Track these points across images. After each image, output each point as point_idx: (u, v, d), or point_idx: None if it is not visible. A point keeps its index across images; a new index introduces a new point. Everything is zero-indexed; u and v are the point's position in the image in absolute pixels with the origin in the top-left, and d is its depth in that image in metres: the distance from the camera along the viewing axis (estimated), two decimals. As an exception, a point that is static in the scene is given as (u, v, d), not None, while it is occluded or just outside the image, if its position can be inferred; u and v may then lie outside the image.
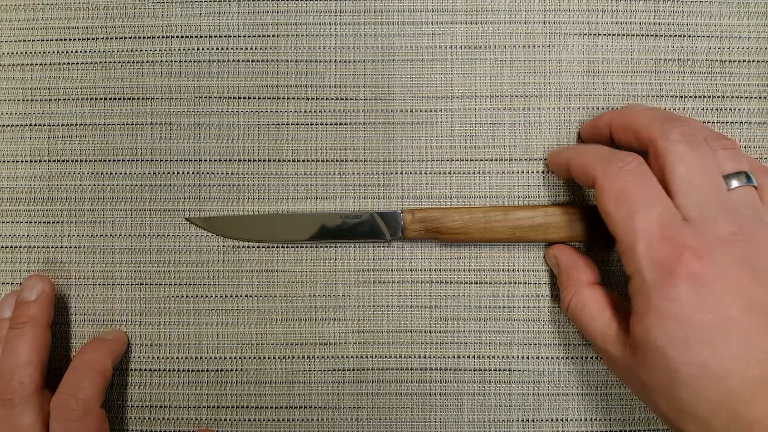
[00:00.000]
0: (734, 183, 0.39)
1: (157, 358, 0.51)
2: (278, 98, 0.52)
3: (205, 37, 0.52)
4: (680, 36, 0.52)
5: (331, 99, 0.52)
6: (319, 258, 0.51)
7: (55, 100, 0.52)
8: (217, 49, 0.52)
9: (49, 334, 0.48)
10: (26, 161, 0.52)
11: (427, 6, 0.52)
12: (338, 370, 0.51)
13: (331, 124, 0.52)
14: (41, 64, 0.52)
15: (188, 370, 0.51)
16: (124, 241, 0.51)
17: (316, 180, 0.52)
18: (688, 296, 0.36)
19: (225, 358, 0.51)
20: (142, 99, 0.52)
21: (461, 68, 0.52)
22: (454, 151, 0.52)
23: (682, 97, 0.52)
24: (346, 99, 0.52)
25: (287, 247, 0.51)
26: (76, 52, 0.52)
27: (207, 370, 0.51)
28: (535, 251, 0.51)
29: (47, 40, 0.52)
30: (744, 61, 0.52)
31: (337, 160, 0.52)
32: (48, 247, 0.51)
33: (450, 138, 0.52)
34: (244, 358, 0.51)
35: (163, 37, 0.52)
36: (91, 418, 0.44)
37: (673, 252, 0.37)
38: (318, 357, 0.51)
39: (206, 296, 0.51)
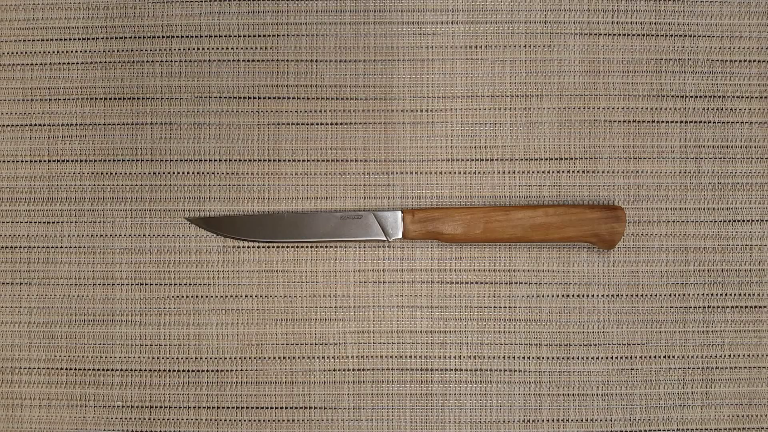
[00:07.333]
0: None
1: (157, 358, 0.51)
2: (278, 98, 0.52)
3: (205, 37, 0.52)
4: (681, 36, 0.52)
5: (331, 99, 0.52)
6: (319, 258, 0.51)
7: (55, 100, 0.52)
8: (217, 49, 0.52)
9: None
10: (26, 161, 0.52)
11: (427, 6, 0.52)
12: (338, 370, 0.51)
13: (331, 124, 0.52)
14: (41, 64, 0.52)
15: (188, 371, 0.51)
16: (124, 241, 0.51)
17: (316, 180, 0.52)
18: None
19: (225, 358, 0.51)
20: (142, 99, 0.52)
21: (462, 68, 0.52)
22: (454, 151, 0.52)
23: (682, 96, 0.52)
24: (346, 99, 0.52)
25: (287, 247, 0.51)
26: (76, 52, 0.52)
27: (207, 371, 0.51)
28: (536, 251, 0.51)
29: (47, 40, 0.52)
30: (744, 61, 0.52)
31: (337, 160, 0.52)
32: (48, 247, 0.51)
33: (450, 138, 0.52)
34: (244, 358, 0.51)
35: (163, 37, 0.52)
36: None
37: None
38: (318, 357, 0.51)
39: (206, 296, 0.51)
